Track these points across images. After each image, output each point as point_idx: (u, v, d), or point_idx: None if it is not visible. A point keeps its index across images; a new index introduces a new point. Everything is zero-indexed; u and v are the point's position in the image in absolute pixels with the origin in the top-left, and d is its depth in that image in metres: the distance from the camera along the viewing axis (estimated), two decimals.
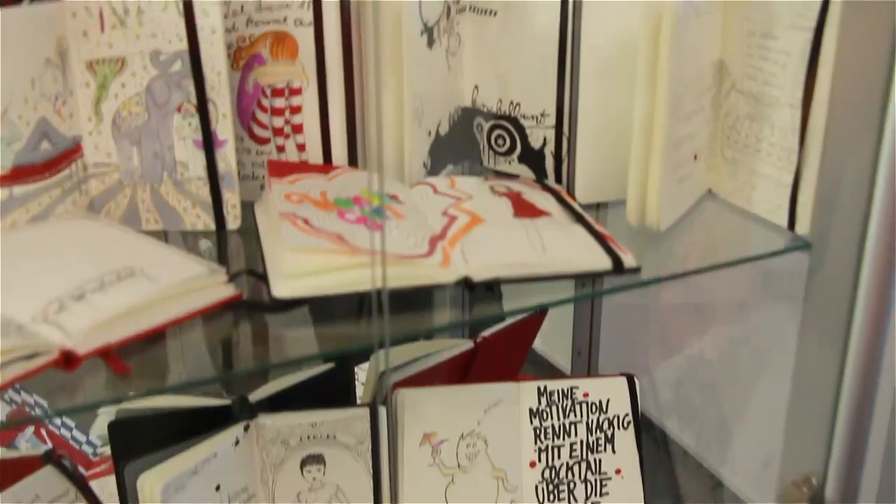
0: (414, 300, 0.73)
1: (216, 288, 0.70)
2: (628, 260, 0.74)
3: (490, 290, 0.73)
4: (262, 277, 0.71)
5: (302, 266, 0.68)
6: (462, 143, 0.98)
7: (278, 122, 0.87)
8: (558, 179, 0.93)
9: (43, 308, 0.63)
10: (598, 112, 0.86)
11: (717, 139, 0.89)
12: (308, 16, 0.83)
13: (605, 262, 0.74)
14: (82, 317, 0.63)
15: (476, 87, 0.96)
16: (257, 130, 0.87)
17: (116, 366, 0.64)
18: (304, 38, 0.83)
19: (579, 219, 0.81)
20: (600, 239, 0.77)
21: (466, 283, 0.71)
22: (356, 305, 0.71)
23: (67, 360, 0.61)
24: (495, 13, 0.92)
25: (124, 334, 0.64)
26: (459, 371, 1.04)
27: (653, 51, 0.76)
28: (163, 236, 0.84)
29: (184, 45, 0.78)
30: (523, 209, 0.82)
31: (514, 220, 0.80)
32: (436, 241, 0.74)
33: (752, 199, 0.85)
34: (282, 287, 0.68)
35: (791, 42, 0.78)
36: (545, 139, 0.93)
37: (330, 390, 0.95)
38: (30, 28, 0.75)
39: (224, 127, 0.80)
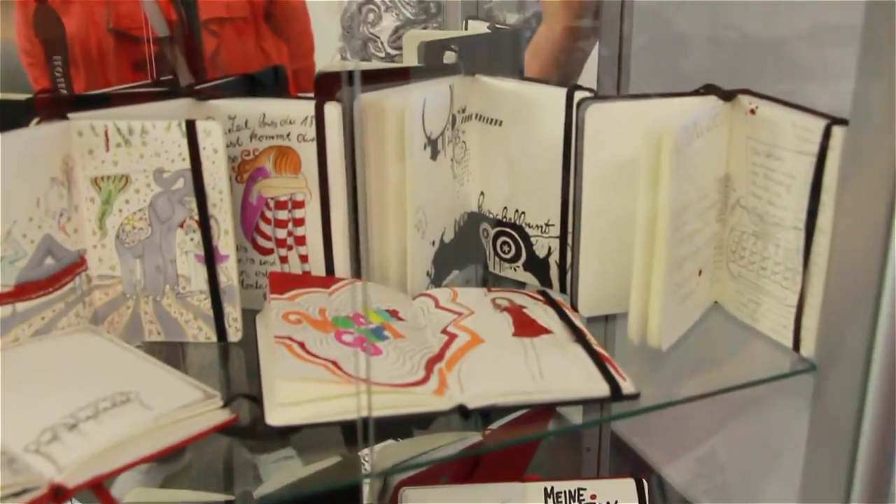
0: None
1: (211, 413, 0.70)
2: (626, 386, 0.73)
3: (486, 417, 0.73)
4: (258, 401, 0.71)
5: (296, 395, 0.68)
6: (468, 248, 0.98)
7: (281, 233, 0.87)
8: (563, 289, 0.92)
9: (36, 438, 0.63)
10: (601, 226, 0.85)
11: (724, 252, 0.88)
12: (311, 132, 0.83)
13: (602, 389, 0.73)
14: (74, 449, 0.63)
15: (482, 193, 0.96)
16: (261, 241, 0.88)
17: (106, 501, 0.64)
18: (307, 153, 0.84)
19: (580, 338, 0.80)
20: (599, 362, 0.76)
21: (462, 411, 0.70)
22: (353, 430, 0.71)
23: (57, 494, 0.61)
24: (500, 123, 0.92)
25: (116, 465, 0.64)
26: (468, 465, 1.03)
27: (653, 175, 0.76)
28: (164, 347, 0.84)
29: (186, 164, 0.78)
30: (523, 327, 0.82)
31: (513, 339, 0.79)
32: (433, 363, 0.74)
33: (757, 316, 0.84)
34: (275, 415, 0.68)
35: (795, 165, 0.78)
36: (550, 248, 0.92)
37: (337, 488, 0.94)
38: (36, 148, 0.76)
39: (226, 242, 0.81)
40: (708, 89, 0.84)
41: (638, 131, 0.77)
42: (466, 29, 1.26)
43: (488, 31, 1.18)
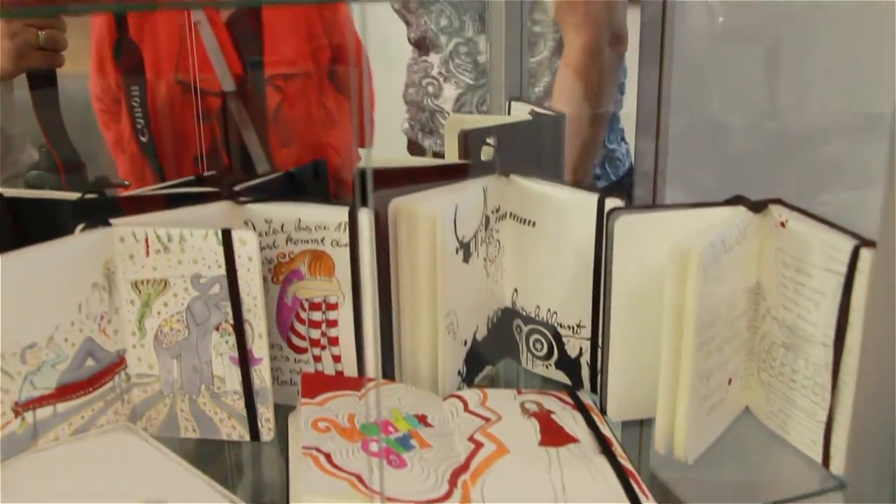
0: None
1: None
2: None
3: None
4: None
5: None
6: (501, 342, 0.99)
7: (315, 333, 0.89)
8: (594, 388, 0.93)
9: None
10: (630, 333, 0.86)
11: (754, 359, 0.87)
12: (344, 237, 0.85)
13: None
14: None
15: (516, 289, 0.97)
16: (295, 340, 0.90)
17: None
18: (341, 257, 0.86)
19: (606, 449, 0.80)
20: (623, 477, 0.76)
21: None
22: None
23: None
24: (534, 223, 0.93)
25: None
26: None
27: (679, 292, 0.76)
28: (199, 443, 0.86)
29: (222, 270, 0.81)
30: (550, 435, 0.82)
31: (538, 449, 0.80)
32: (457, 475, 0.75)
33: (787, 427, 0.84)
34: None
35: (823, 282, 0.78)
36: (581, 349, 0.93)
37: None
38: (80, 256, 0.79)
39: (259, 346, 0.83)
40: (737, 200, 0.84)
41: (667, 242, 0.78)
42: (509, 112, 1.27)
43: (530, 116, 1.18)
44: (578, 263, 0.90)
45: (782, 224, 0.82)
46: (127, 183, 1.55)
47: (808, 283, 0.79)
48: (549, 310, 0.94)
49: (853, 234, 0.76)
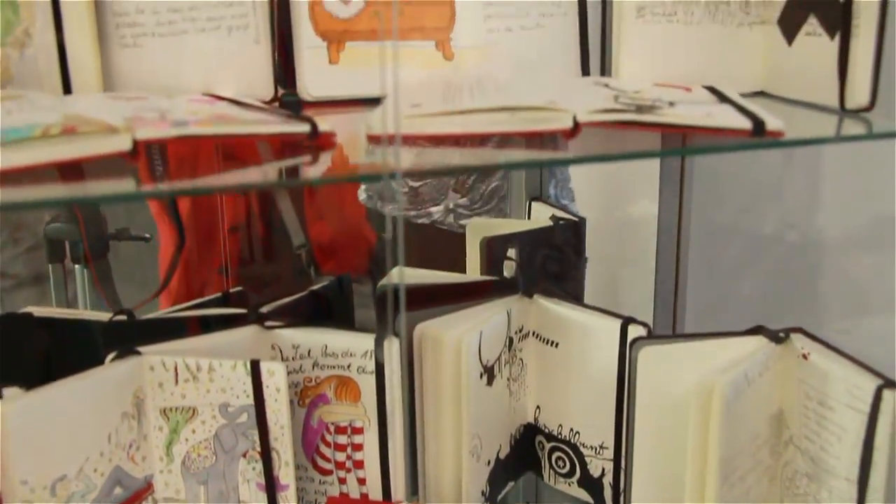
0: None
1: None
2: None
3: None
4: None
5: None
6: (524, 458, 0.99)
7: (341, 456, 0.90)
8: None
9: None
10: (654, 459, 0.86)
11: (777, 485, 0.88)
12: (370, 365, 0.86)
13: None
14: None
15: (538, 406, 0.98)
16: (321, 462, 0.90)
17: None
18: (367, 383, 0.87)
19: None
20: None
21: None
22: None
23: None
24: (557, 344, 0.94)
25: None
26: None
27: (703, 429, 0.77)
28: None
29: (250, 400, 0.82)
30: None
31: None
32: None
33: None
34: None
35: (846, 419, 0.78)
36: (604, 470, 0.93)
37: None
38: (110, 386, 0.80)
39: (286, 473, 0.83)
40: (758, 330, 0.85)
41: (691, 372, 0.79)
42: (530, 213, 1.28)
43: (550, 222, 1.20)
44: (601, 386, 0.91)
45: (804, 356, 0.82)
46: (147, 237, 1.55)
47: (831, 417, 0.80)
48: (571, 429, 0.95)
49: (876, 373, 0.77)
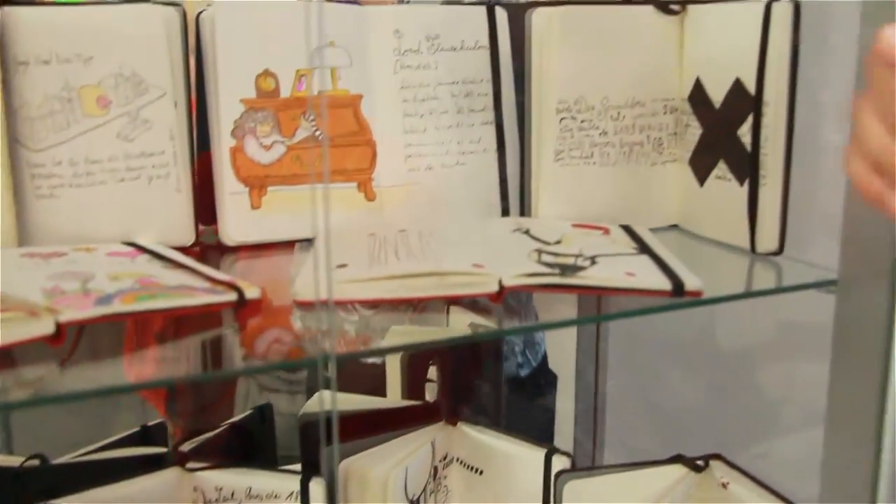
0: None
1: None
2: None
3: None
4: None
5: None
6: None
7: None
8: None
9: None
10: None
11: None
12: None
13: None
14: None
15: None
16: None
17: None
18: None
19: None
20: None
21: None
22: None
23: None
24: (481, 472, 0.94)
25: None
26: None
27: None
28: None
29: None
30: None
31: None
32: None
33: None
34: None
35: None
36: None
37: None
38: None
39: None
40: (677, 458, 0.87)
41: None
42: (447, 320, 1.29)
43: (469, 330, 1.20)
44: None
45: (724, 485, 0.84)
46: None
47: None
48: None
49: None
